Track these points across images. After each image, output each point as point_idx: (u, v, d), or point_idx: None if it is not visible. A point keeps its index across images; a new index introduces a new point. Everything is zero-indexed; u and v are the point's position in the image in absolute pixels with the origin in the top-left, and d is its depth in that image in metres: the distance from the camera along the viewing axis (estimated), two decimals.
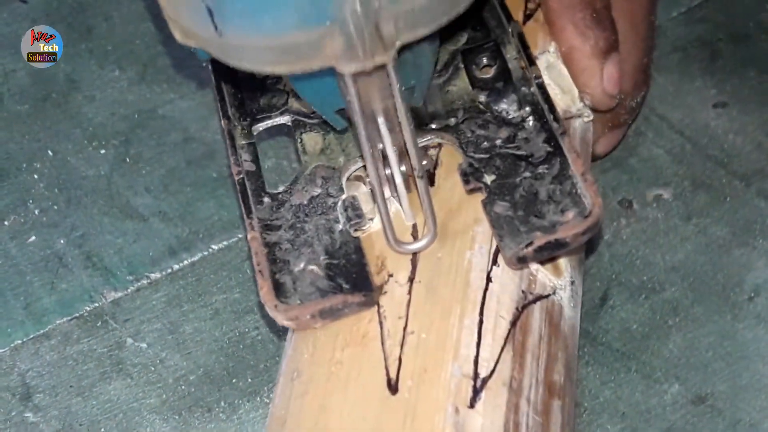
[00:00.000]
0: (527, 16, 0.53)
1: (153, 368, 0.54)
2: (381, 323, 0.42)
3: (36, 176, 0.63)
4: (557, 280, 0.46)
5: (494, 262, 0.44)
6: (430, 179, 0.46)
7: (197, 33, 0.39)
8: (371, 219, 0.46)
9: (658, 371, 0.52)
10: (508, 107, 0.48)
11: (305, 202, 0.46)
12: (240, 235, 0.59)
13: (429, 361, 0.41)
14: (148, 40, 0.68)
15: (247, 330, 0.55)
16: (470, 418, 0.40)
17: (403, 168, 0.44)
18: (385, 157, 0.43)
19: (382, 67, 0.38)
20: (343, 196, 0.46)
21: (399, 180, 0.43)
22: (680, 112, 0.63)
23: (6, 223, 0.61)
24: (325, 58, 0.37)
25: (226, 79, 0.49)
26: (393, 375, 0.41)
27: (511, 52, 0.49)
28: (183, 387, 0.53)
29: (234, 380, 0.53)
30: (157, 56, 0.67)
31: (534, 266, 0.45)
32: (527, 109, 0.47)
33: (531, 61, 0.48)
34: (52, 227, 0.61)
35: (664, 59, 0.66)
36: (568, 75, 0.51)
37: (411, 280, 0.43)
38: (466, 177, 0.45)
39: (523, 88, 0.48)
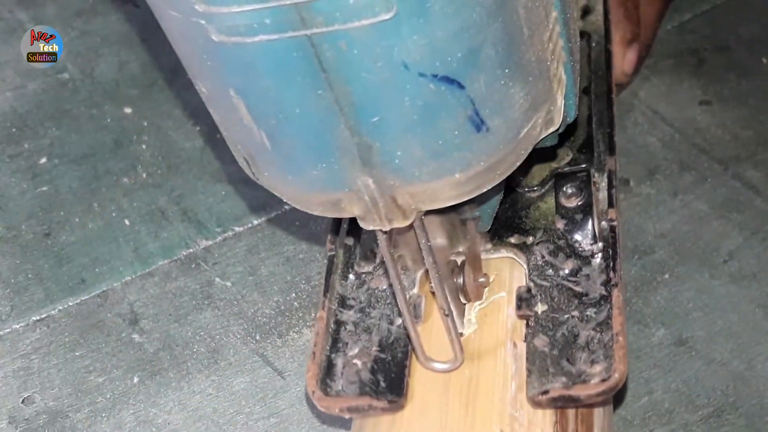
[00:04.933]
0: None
1: (236, 302, 0.55)
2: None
3: (144, 146, 0.65)
4: None
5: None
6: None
7: None
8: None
9: (647, 318, 0.52)
10: (582, 239, 0.43)
11: (382, 287, 0.43)
12: None
13: (488, 307, 0.43)
14: None
15: (312, 274, 0.56)
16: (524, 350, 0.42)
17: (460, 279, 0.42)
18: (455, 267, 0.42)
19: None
20: (412, 292, 0.43)
21: (443, 300, 0.40)
22: (671, 108, 0.64)
23: (120, 183, 0.63)
24: (350, 213, 0.35)
25: None
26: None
27: (600, 184, 0.44)
28: (260, 318, 0.54)
29: (301, 314, 0.54)
30: None
31: None
32: (600, 245, 0.42)
33: (612, 202, 0.43)
34: (156, 187, 0.62)
35: (659, 64, 0.67)
36: None
37: None
38: (520, 302, 0.41)
39: (603, 223, 0.43)
